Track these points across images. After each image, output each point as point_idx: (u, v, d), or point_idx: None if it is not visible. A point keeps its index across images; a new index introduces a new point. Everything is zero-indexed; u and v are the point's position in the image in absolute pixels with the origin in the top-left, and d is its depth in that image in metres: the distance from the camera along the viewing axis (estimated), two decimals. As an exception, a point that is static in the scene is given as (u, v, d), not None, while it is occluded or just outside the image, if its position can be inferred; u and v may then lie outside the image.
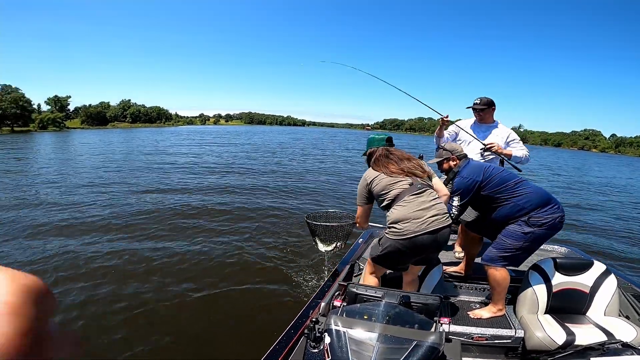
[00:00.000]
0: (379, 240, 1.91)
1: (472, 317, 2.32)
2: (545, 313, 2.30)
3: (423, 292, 2.24)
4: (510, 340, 2.17)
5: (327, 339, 1.14)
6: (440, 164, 2.32)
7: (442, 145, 2.30)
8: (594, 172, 24.06)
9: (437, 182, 2.13)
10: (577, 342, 1.97)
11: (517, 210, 2.14)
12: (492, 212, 2.23)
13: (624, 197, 13.16)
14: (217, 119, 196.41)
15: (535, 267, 2.43)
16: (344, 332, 1.14)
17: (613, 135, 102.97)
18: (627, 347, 1.85)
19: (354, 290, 1.45)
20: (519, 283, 2.45)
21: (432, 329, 1.20)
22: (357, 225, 2.22)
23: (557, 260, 2.42)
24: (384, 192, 1.90)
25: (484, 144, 2.71)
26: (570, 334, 2.01)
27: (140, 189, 8.64)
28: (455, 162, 2.26)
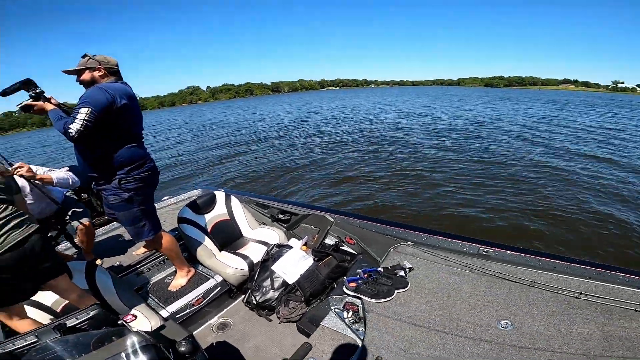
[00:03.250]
0: None
1: (175, 289, 2.24)
2: (221, 251, 2.41)
3: (107, 296, 1.92)
4: (219, 288, 2.21)
5: None
6: (80, 73, 1.80)
7: (91, 55, 1.81)
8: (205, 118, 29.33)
9: (21, 199, 1.71)
10: (255, 261, 2.19)
11: (105, 163, 1.82)
12: (90, 159, 1.82)
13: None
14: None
15: (180, 220, 2.44)
16: None
17: (209, 87, 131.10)
18: (280, 247, 2.23)
19: (2, 350, 1.08)
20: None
21: (127, 333, 1.05)
22: None
23: (190, 204, 2.51)
24: None
25: (10, 164, 2.19)
26: (245, 257, 2.23)
27: None
28: (101, 74, 1.80)
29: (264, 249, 2.24)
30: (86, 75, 1.80)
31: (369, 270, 1.66)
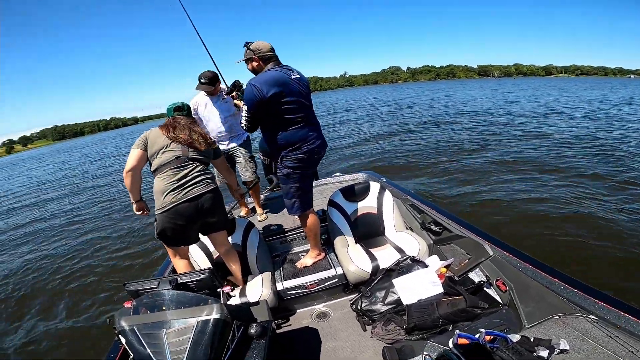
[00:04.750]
0: (155, 219, 1.89)
1: (299, 267, 2.36)
2: (356, 243, 2.41)
3: (249, 255, 2.30)
4: (336, 280, 2.22)
5: (123, 340, 1.20)
6: (247, 64, 2.05)
7: (249, 44, 2.02)
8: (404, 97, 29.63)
9: (221, 162, 2.23)
10: (381, 266, 2.09)
11: (271, 143, 2.04)
12: (264, 138, 2.11)
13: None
14: (10, 146, 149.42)
15: (331, 203, 2.50)
16: (134, 329, 1.19)
17: (409, 68, 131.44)
18: (414, 262, 2.04)
19: (132, 288, 1.43)
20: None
21: (212, 303, 1.26)
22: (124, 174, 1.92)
23: (343, 189, 2.53)
24: (153, 155, 1.89)
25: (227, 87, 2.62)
26: (374, 259, 2.14)
27: None
28: (257, 64, 1.98)
29: (397, 257, 2.10)
30: (249, 67, 2.01)
31: (495, 334, 1.34)
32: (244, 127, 1.99)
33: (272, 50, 1.98)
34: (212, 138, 2.80)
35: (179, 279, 1.40)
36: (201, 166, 1.94)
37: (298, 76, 1.99)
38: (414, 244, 2.24)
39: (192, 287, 1.44)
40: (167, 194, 1.80)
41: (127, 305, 1.31)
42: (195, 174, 1.87)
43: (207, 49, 2.60)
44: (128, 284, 1.44)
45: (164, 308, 1.27)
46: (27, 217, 8.70)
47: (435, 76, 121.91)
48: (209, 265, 2.30)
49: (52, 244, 6.04)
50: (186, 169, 1.86)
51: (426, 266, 2.03)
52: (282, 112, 1.90)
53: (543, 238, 3.79)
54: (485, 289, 1.84)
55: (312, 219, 2.24)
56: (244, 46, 2.01)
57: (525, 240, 3.73)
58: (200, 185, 1.86)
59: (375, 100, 30.20)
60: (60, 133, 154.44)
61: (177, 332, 1.18)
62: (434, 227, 2.34)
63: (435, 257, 2.18)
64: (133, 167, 1.87)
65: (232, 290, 1.48)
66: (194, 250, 2.29)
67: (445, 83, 72.82)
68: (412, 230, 2.54)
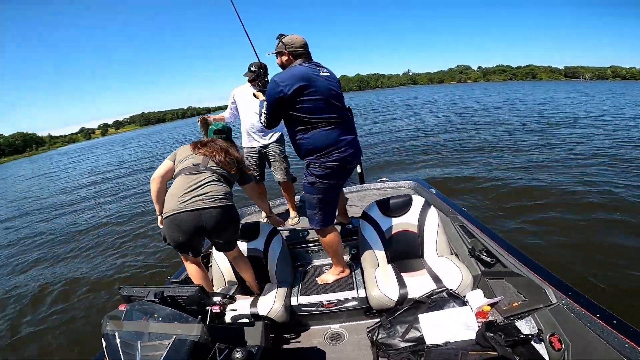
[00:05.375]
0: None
1: (320, 282, 2.21)
2: (389, 263, 2.18)
3: (269, 263, 2.21)
4: (356, 303, 2.05)
5: (104, 343, 1.18)
6: (276, 58, 1.98)
7: (283, 36, 1.95)
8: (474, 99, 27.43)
9: (251, 188, 2.19)
10: (410, 296, 1.86)
11: (297, 147, 1.91)
12: (293, 141, 1.96)
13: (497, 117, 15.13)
14: (105, 129, 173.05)
15: (364, 216, 2.27)
16: (115, 335, 1.18)
17: (480, 67, 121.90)
18: (450, 297, 1.77)
19: (125, 293, 1.42)
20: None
21: (192, 322, 1.21)
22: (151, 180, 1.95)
23: (380, 202, 2.28)
24: (178, 165, 1.89)
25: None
26: (403, 286, 1.90)
27: None
28: (287, 58, 1.89)
29: (432, 287, 1.85)
30: (278, 60, 1.91)
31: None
32: (263, 124, 1.89)
33: (304, 46, 1.88)
34: (251, 131, 2.78)
35: (165, 291, 1.36)
36: (215, 177, 1.83)
37: (328, 74, 1.85)
38: (456, 274, 1.92)
39: (180, 302, 1.39)
40: (173, 199, 1.73)
41: (121, 308, 1.30)
42: (205, 184, 1.77)
43: (252, 44, 2.56)
44: (122, 288, 1.44)
45: (155, 316, 1.25)
46: (107, 191, 10.02)
47: (511, 77, 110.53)
48: (231, 270, 2.27)
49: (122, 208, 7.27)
50: (199, 177, 1.79)
51: (464, 304, 1.75)
52: (306, 110, 1.76)
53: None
54: (532, 342, 1.49)
55: (330, 237, 2.04)
56: (277, 38, 1.93)
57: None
58: (206, 199, 1.71)
59: (439, 100, 28.54)
60: (146, 119, 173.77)
61: (152, 346, 1.14)
62: (484, 256, 1.97)
63: (479, 292, 1.84)
64: (159, 176, 1.89)
65: (222, 310, 1.42)
66: (216, 252, 2.26)
67: (523, 84, 65.69)
68: (457, 256, 2.19)
